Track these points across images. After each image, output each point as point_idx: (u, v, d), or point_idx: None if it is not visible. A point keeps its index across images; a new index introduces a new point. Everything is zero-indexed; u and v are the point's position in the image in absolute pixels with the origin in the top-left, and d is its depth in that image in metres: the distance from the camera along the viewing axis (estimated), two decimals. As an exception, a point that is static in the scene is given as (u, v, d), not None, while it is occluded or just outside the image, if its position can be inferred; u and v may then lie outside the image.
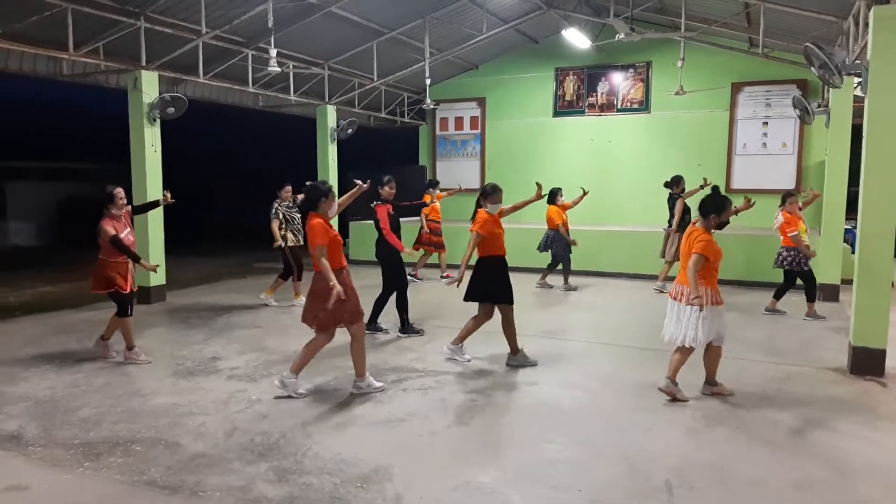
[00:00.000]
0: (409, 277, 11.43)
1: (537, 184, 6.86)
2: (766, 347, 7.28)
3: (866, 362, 6.13)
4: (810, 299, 8.64)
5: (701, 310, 5.19)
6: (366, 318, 6.13)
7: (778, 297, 8.79)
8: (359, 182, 6.05)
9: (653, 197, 12.81)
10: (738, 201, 12.31)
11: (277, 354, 6.93)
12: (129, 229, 6.55)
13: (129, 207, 6.68)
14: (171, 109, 9.64)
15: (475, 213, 6.50)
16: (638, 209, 13.65)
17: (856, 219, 6.41)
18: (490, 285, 6.41)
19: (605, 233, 12.54)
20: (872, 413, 5.24)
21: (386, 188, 7.76)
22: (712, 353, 5.53)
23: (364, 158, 15.97)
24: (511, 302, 6.47)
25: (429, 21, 11.88)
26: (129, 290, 6.52)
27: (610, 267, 12.23)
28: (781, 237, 8.58)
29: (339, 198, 5.89)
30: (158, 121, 9.70)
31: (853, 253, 8.07)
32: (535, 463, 4.31)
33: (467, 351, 6.74)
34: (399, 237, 7.76)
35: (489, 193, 6.47)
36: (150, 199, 9.61)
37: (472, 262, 6.38)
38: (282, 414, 5.17)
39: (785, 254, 8.51)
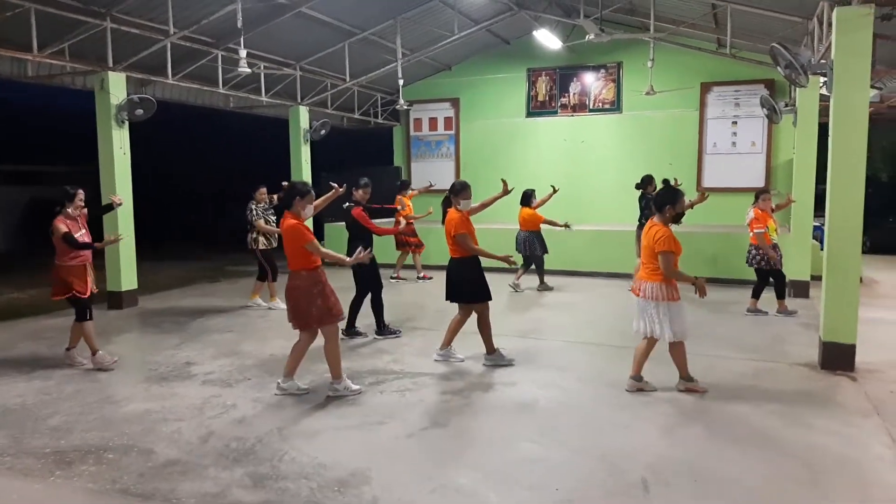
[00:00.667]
0: (390, 279, 11.52)
1: (503, 180, 6.92)
2: (736, 344, 7.38)
3: (837, 357, 6.25)
4: (780, 296, 8.77)
5: (662, 303, 5.34)
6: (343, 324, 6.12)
7: (756, 296, 8.83)
8: (335, 185, 6.04)
9: (625, 196, 12.92)
10: (710, 200, 12.55)
11: (252, 359, 6.86)
12: (84, 231, 6.46)
13: (85, 210, 6.58)
14: (139, 111, 9.49)
15: (445, 212, 6.49)
16: (611, 208, 13.78)
17: (824, 216, 6.54)
18: (468, 285, 6.42)
19: (578, 232, 12.61)
20: (843, 408, 5.34)
21: (360, 192, 7.69)
22: (677, 349, 5.58)
23: (338, 160, 15.93)
24: (489, 300, 6.49)
25: (400, 21, 11.86)
26: (87, 294, 6.42)
27: (584, 266, 12.32)
28: (750, 235, 8.69)
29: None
30: (127, 122, 9.55)
31: (822, 249, 8.23)
32: (512, 463, 4.32)
33: (457, 351, 6.75)
34: (371, 241, 7.69)
35: (459, 190, 6.44)
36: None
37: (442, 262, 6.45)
38: (257, 419, 5.12)
39: (754, 252, 8.60)
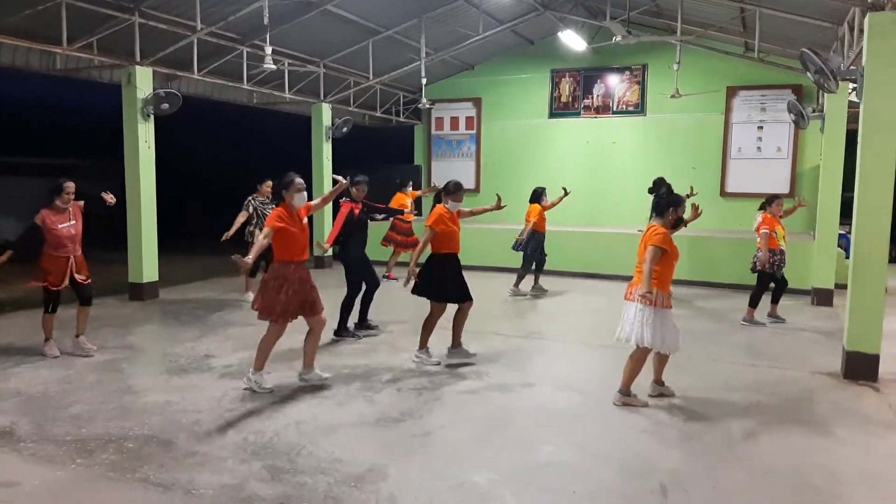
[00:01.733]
0: (382, 278, 11.47)
1: (497, 195, 6.99)
2: (757, 351, 7.30)
3: (860, 367, 6.15)
4: (774, 301, 8.62)
5: (648, 307, 5.17)
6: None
7: (776, 301, 8.71)
8: (339, 178, 6.00)
9: (647, 199, 12.84)
10: (731, 205, 12.42)
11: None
12: (73, 222, 6.56)
13: (81, 202, 6.69)
14: (165, 105, 9.59)
15: (433, 208, 6.49)
16: (633, 211, 13.62)
17: (850, 223, 6.44)
18: (440, 283, 6.35)
19: (599, 234, 12.55)
20: (866, 419, 5.26)
21: (354, 189, 7.47)
22: (639, 357, 5.37)
23: (359, 157, 15.95)
24: (467, 300, 6.44)
25: (425, 21, 11.86)
26: (58, 287, 6.52)
27: (605, 269, 12.22)
28: (758, 240, 8.44)
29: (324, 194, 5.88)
30: (152, 117, 9.64)
31: (847, 258, 8.10)
32: (529, 464, 4.31)
33: (433, 352, 6.62)
34: (365, 237, 7.64)
35: (451, 191, 6.45)
36: (144, 194, 9.59)
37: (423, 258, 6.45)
38: (275, 413, 5.15)
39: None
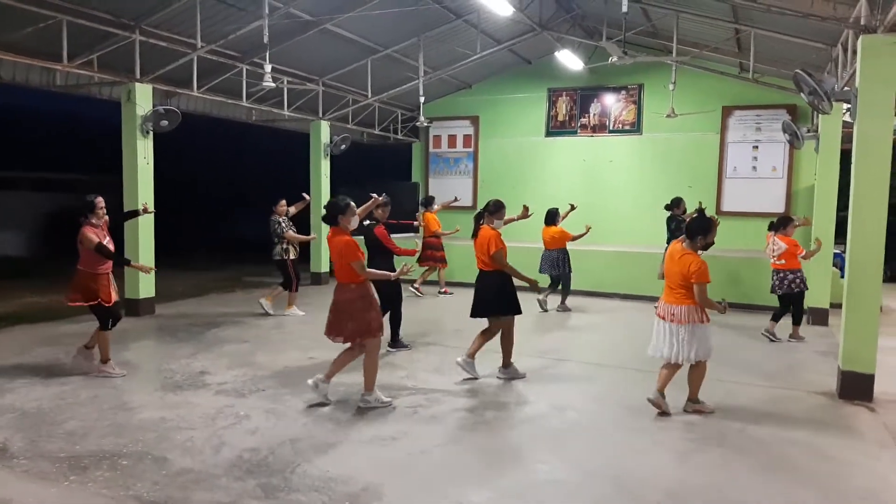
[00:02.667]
0: (412, 289, 11.59)
1: (524, 206, 7.19)
2: (754, 370, 7.29)
3: (855, 387, 6.15)
4: (796, 322, 8.69)
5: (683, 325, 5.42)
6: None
7: (777, 319, 8.77)
8: (374, 195, 6.15)
9: (644, 217, 12.92)
10: (727, 224, 12.43)
11: (266, 370, 6.88)
12: (108, 238, 6.49)
13: (107, 218, 6.61)
14: (164, 122, 9.64)
15: (477, 229, 6.61)
16: (629, 229, 13.71)
17: (844, 243, 6.47)
18: (500, 297, 6.51)
19: (598, 252, 12.58)
20: (861, 438, 5.26)
21: (379, 210, 7.70)
22: (699, 370, 5.61)
23: (357, 174, 15.98)
24: (519, 312, 6.61)
25: (423, 40, 11.97)
26: (111, 302, 6.46)
27: (604, 287, 12.27)
28: (781, 262, 8.51)
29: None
30: (151, 133, 9.69)
31: (842, 277, 8.12)
32: (526, 483, 4.29)
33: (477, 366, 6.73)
34: (392, 258, 7.72)
35: (495, 210, 6.63)
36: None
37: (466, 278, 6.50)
38: (270, 430, 5.13)
39: (783, 275, 8.51)
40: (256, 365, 7.09)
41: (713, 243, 5.58)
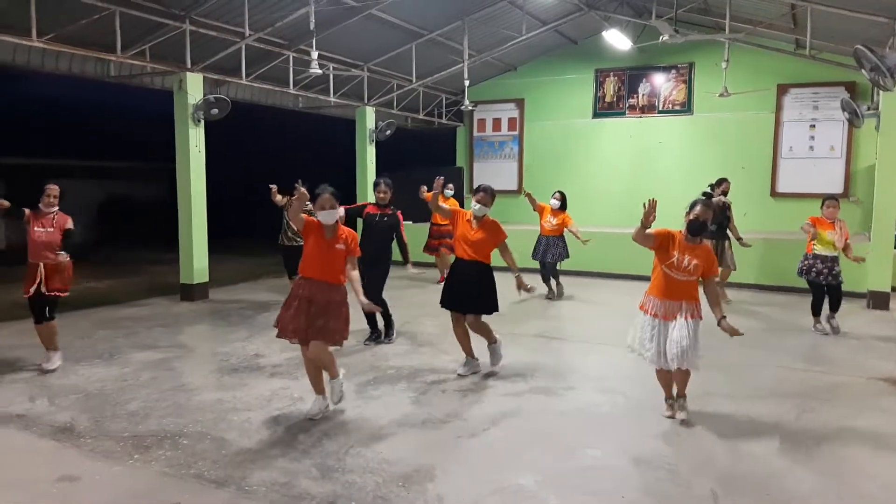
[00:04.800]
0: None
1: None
2: (810, 356, 7.12)
3: (918, 373, 5.96)
4: (831, 308, 8.08)
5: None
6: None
7: (832, 309, 8.10)
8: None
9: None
10: (782, 206, 12.10)
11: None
12: (51, 230, 6.20)
13: (70, 221, 6.40)
14: (214, 111, 9.82)
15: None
16: (678, 214, 13.36)
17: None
18: (494, 295, 6.21)
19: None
20: (925, 425, 5.09)
21: (381, 194, 7.33)
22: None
23: (402, 160, 16.03)
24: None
25: (468, 22, 11.89)
26: (27, 295, 6.19)
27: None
28: (836, 249, 7.82)
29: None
30: (202, 121, 9.89)
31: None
32: (574, 468, 4.29)
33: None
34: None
35: (494, 196, 6.23)
36: (195, 197, 9.83)
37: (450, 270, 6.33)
38: (323, 412, 5.22)
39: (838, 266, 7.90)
40: (307, 348, 7.21)
41: (697, 220, 5.23)
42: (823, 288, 7.93)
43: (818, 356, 7.09)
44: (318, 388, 5.20)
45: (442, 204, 6.11)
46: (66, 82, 15.46)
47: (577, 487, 4.01)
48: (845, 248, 7.82)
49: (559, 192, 10.21)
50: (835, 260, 7.82)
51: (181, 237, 10.00)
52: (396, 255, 7.43)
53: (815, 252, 7.86)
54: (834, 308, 8.00)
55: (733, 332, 4.79)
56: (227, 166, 19.68)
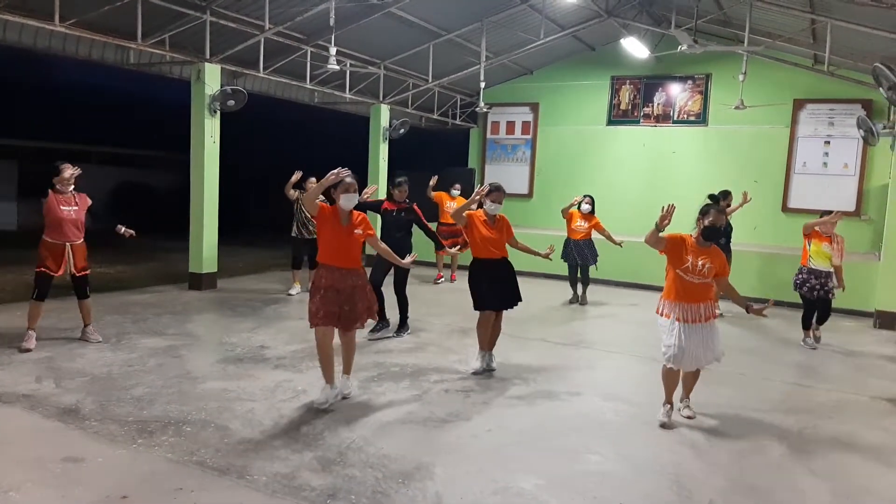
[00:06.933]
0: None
1: (550, 247, 6.70)
2: (814, 373, 7.10)
3: (923, 394, 5.93)
4: (820, 322, 8.20)
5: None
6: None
7: (819, 321, 8.22)
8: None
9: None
10: (793, 221, 12.06)
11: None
12: (76, 207, 6.44)
13: (89, 200, 6.61)
14: (231, 102, 9.88)
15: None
16: (689, 222, 13.38)
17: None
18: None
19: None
20: (928, 447, 5.07)
21: (396, 191, 7.73)
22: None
23: (414, 159, 16.07)
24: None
25: (486, 24, 11.91)
26: (55, 274, 6.35)
27: (660, 280, 12.02)
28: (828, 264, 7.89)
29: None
30: (218, 112, 9.95)
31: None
32: (576, 473, 4.30)
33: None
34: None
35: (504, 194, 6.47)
36: (207, 187, 9.89)
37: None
38: (327, 406, 5.25)
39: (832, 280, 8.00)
40: (314, 341, 7.17)
41: (713, 226, 5.53)
42: (815, 303, 8.03)
43: (823, 374, 7.06)
44: (329, 377, 5.27)
45: (462, 212, 6.26)
46: (85, 68, 15.58)
47: (578, 492, 4.02)
48: (837, 270, 7.88)
49: (589, 196, 10.35)
50: (829, 276, 7.93)
51: (192, 226, 10.06)
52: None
53: (811, 266, 7.94)
54: (821, 321, 8.18)
55: (761, 313, 5.13)
56: (241, 157, 19.76)
